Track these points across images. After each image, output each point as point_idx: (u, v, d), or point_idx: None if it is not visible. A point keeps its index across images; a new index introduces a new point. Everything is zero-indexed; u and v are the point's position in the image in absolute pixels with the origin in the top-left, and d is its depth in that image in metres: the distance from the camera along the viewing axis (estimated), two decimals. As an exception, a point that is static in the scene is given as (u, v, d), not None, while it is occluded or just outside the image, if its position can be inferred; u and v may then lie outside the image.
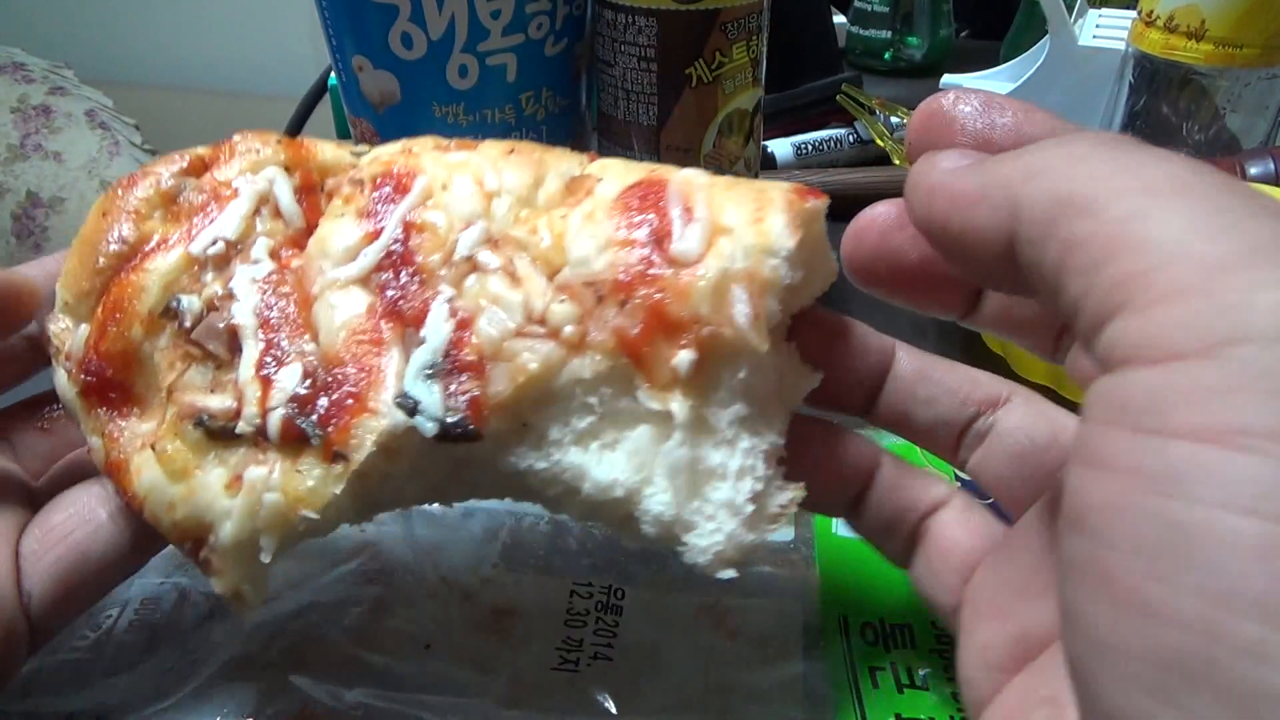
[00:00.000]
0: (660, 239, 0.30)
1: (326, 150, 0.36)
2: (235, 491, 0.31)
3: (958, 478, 0.46)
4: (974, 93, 0.30)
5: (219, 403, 0.31)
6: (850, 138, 0.91)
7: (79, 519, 0.34)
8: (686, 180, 0.32)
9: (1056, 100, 0.96)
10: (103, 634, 0.42)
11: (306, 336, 0.31)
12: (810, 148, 0.89)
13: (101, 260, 0.33)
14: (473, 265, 0.31)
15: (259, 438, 0.31)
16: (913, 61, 1.18)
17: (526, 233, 0.32)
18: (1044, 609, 0.27)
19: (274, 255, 0.33)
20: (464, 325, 0.30)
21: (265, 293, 0.32)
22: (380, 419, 0.29)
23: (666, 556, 0.45)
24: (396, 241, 0.32)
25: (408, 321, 0.31)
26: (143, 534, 0.34)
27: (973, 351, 0.67)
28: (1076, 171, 0.21)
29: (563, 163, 0.34)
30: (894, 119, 0.88)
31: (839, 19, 1.19)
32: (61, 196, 1.22)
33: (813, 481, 0.33)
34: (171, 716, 0.39)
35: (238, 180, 0.34)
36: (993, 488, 0.34)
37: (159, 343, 0.32)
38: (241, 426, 0.31)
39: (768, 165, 0.88)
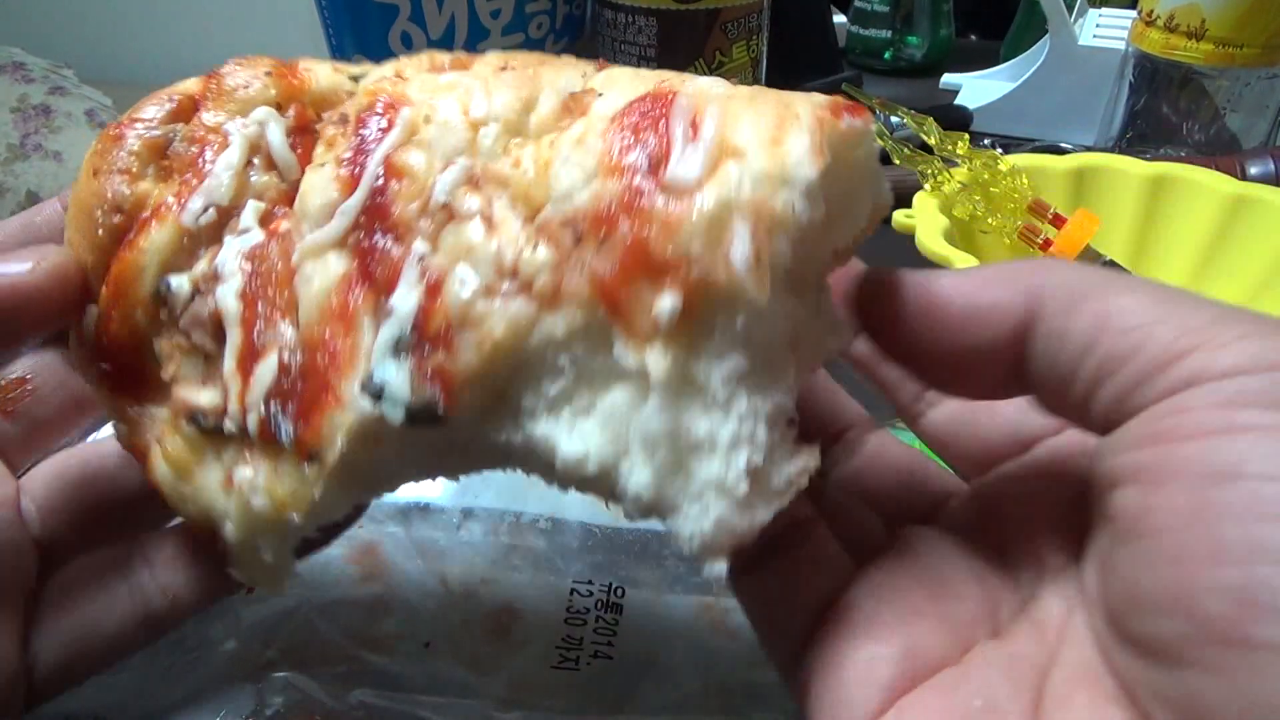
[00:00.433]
0: (656, 164, 0.25)
1: (322, 76, 0.34)
2: (230, 491, 0.30)
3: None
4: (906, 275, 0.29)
5: (209, 399, 0.30)
6: (850, 137, 0.91)
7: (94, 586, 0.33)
8: (700, 92, 0.27)
9: (1056, 100, 0.96)
10: None
11: (286, 320, 0.30)
12: (810, 147, 0.89)
13: (101, 232, 0.32)
14: (450, 213, 0.28)
15: (244, 435, 0.29)
16: (913, 61, 1.18)
17: (510, 166, 0.28)
18: (938, 631, 0.27)
19: (264, 221, 0.31)
20: (433, 290, 0.27)
21: (250, 270, 0.30)
22: (347, 412, 0.27)
23: (666, 556, 0.45)
24: (375, 192, 0.29)
25: (380, 289, 0.28)
26: (168, 611, 0.33)
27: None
28: (1088, 272, 0.25)
29: (561, 77, 0.30)
30: (894, 119, 0.88)
31: (839, 19, 1.19)
32: (61, 196, 1.21)
33: None
34: (170, 717, 0.39)
35: (228, 125, 0.32)
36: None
37: (160, 328, 0.31)
38: (228, 425, 0.29)
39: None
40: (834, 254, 0.30)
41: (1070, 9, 0.95)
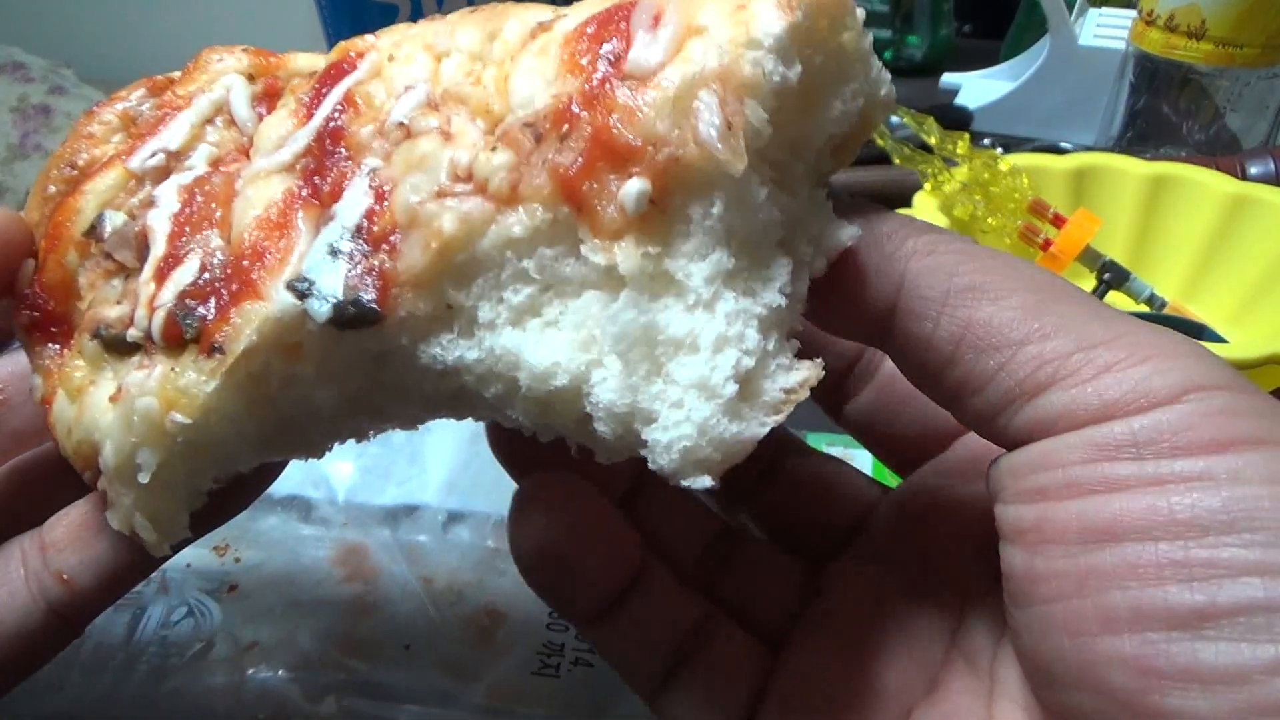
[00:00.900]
0: (617, 58, 0.24)
1: (302, 59, 0.33)
2: (116, 404, 0.27)
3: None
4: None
5: (117, 311, 0.28)
6: (850, 137, 0.91)
7: None
8: None
9: (1056, 100, 0.96)
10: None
11: (216, 232, 0.28)
12: (810, 147, 0.89)
13: (51, 187, 0.31)
14: (407, 132, 0.26)
15: (149, 342, 0.27)
16: (913, 61, 1.18)
17: (470, 84, 0.26)
18: (873, 711, 0.28)
19: (215, 163, 0.30)
20: (381, 196, 0.25)
21: (188, 197, 0.29)
22: (266, 305, 0.25)
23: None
24: (328, 119, 0.27)
25: (324, 202, 0.26)
26: (70, 598, 0.29)
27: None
28: (967, 264, 0.23)
29: (530, 11, 0.28)
30: (894, 118, 0.88)
31: (839, 18, 1.19)
32: (61, 196, 1.21)
33: None
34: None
35: (197, 94, 0.31)
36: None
37: (88, 258, 0.29)
38: (132, 333, 0.27)
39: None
40: (831, 151, 0.27)
41: (1070, 8, 0.95)
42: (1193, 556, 0.19)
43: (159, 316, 0.26)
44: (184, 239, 0.28)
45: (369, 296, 0.24)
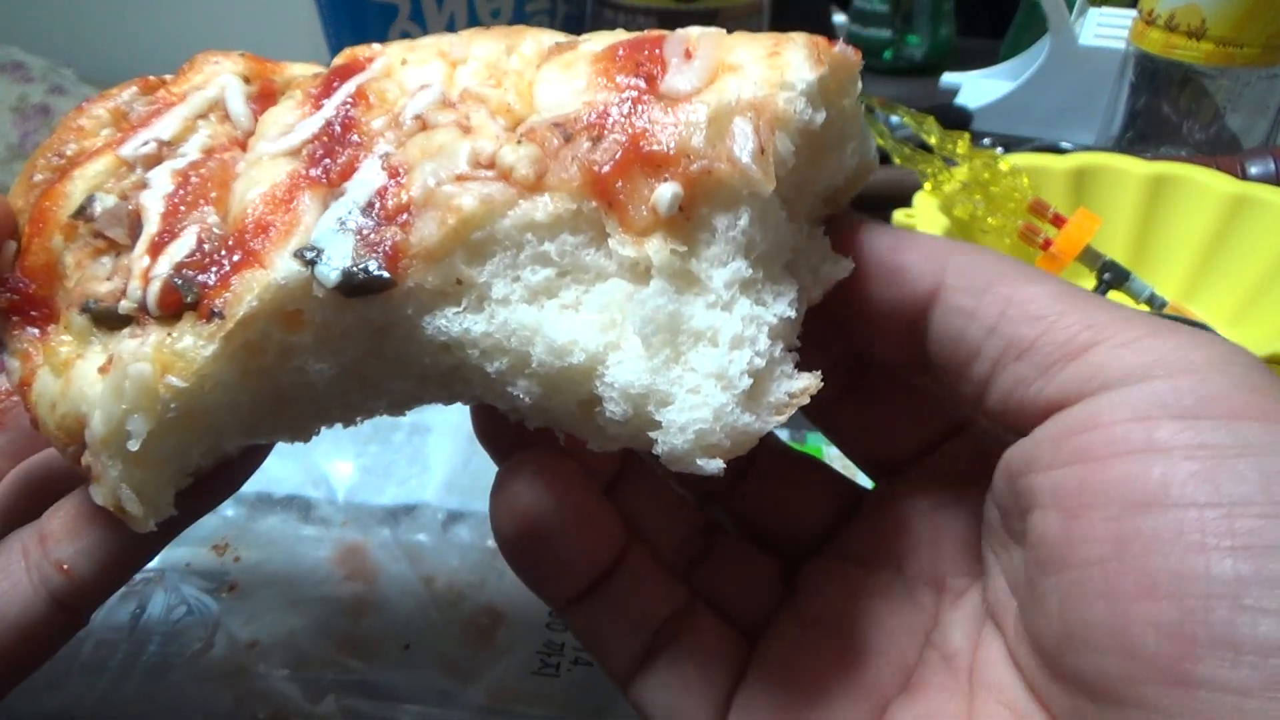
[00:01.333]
0: (651, 79, 0.26)
1: (298, 68, 0.33)
2: (105, 375, 0.26)
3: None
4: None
5: (108, 286, 0.28)
6: (850, 137, 0.91)
7: None
8: (689, 32, 0.28)
9: (1056, 100, 0.96)
10: (81, 631, 0.42)
11: (213, 210, 0.28)
12: (810, 147, 0.89)
13: (38, 175, 0.31)
14: (422, 125, 0.27)
15: (142, 314, 0.27)
16: (913, 61, 1.18)
17: (490, 87, 0.28)
18: (846, 706, 0.28)
19: (208, 151, 0.30)
20: (396, 174, 0.26)
21: (181, 179, 0.29)
22: (270, 272, 0.25)
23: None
24: (341, 106, 0.28)
25: (334, 182, 0.27)
26: (71, 587, 0.30)
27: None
28: (1006, 262, 0.26)
29: (544, 34, 0.30)
30: (894, 118, 0.88)
31: (839, 19, 1.19)
32: (61, 196, 1.21)
33: None
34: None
35: (189, 89, 0.32)
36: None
37: (75, 239, 0.29)
38: (125, 305, 0.27)
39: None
40: (824, 200, 0.30)
41: (1070, 8, 0.95)
42: (1238, 527, 0.19)
43: (154, 287, 0.26)
44: (179, 216, 0.28)
45: (378, 264, 0.25)
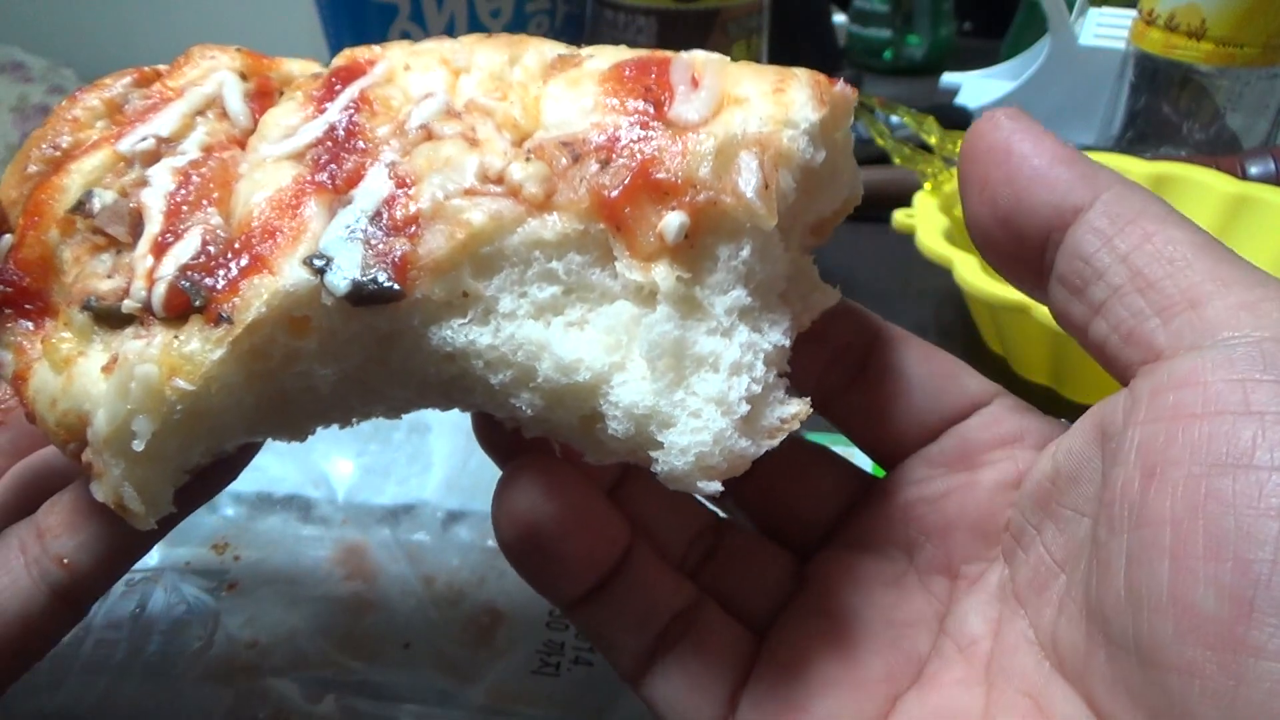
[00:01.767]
0: (659, 104, 0.26)
1: (294, 65, 0.33)
2: (110, 374, 0.27)
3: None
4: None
5: (110, 284, 0.28)
6: (850, 137, 0.91)
7: None
8: (695, 57, 0.28)
9: (1056, 100, 0.96)
10: (81, 629, 0.41)
11: (216, 212, 0.28)
12: (810, 147, 0.89)
13: (31, 167, 0.31)
14: (427, 134, 0.27)
15: (146, 314, 0.27)
16: (913, 61, 1.18)
17: (496, 99, 0.28)
18: (856, 698, 0.28)
19: (207, 150, 0.30)
20: (403, 184, 0.26)
21: (182, 178, 0.29)
22: (279, 279, 0.25)
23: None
24: (345, 111, 0.28)
25: (339, 189, 0.27)
26: (70, 580, 0.30)
27: (974, 351, 0.67)
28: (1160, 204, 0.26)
29: (546, 45, 0.30)
30: (894, 118, 0.88)
31: (839, 18, 1.20)
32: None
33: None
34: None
35: (186, 84, 0.32)
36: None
37: (73, 234, 0.29)
38: (128, 304, 0.27)
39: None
40: (812, 229, 0.31)
41: (1070, 8, 0.95)
42: None
43: (160, 288, 0.26)
44: (181, 216, 0.28)
45: (387, 275, 0.25)
